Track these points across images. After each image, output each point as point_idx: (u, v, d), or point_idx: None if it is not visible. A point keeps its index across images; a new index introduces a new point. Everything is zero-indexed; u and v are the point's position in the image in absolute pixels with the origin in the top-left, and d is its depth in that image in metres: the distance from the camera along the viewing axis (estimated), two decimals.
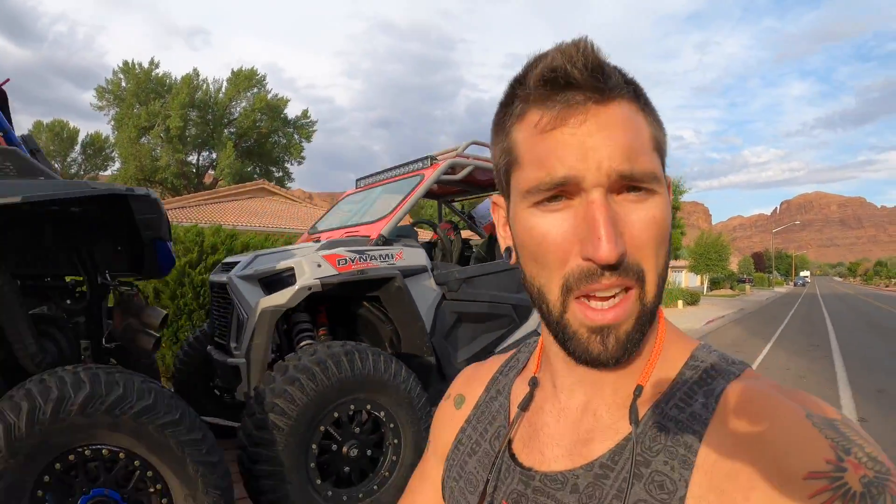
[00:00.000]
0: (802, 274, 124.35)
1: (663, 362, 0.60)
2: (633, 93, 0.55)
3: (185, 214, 19.01)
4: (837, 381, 8.68)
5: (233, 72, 38.62)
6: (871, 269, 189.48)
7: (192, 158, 39.08)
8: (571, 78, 0.52)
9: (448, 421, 0.80)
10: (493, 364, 0.82)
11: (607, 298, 0.53)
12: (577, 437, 0.61)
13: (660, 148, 0.57)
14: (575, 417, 0.63)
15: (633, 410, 0.56)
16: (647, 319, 0.55)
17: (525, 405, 0.69)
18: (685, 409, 0.55)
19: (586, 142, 0.52)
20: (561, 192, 0.53)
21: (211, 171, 40.67)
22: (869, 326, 19.66)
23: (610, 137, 0.52)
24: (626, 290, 0.53)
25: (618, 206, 0.52)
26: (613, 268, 0.51)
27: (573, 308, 0.55)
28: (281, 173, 43.00)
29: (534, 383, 0.70)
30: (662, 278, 0.56)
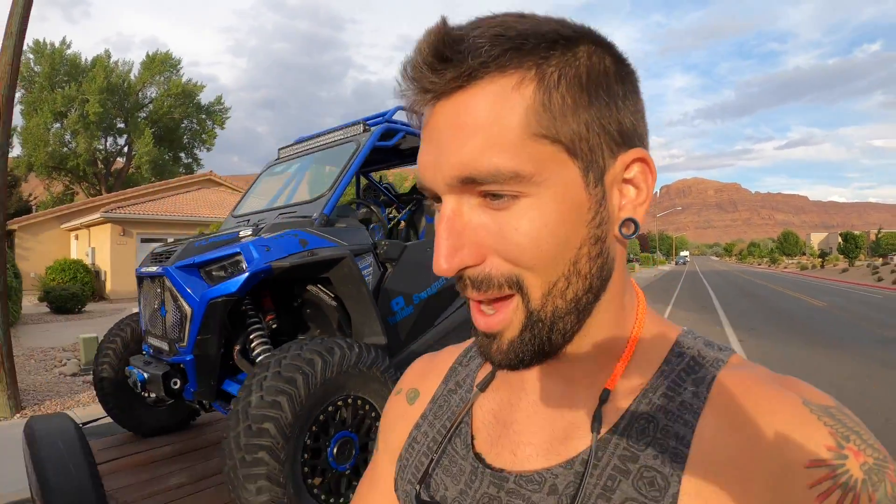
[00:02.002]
0: (683, 254, 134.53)
1: (645, 350, 0.57)
2: (511, 64, 0.46)
3: (152, 208, 20.81)
4: (723, 325, 13.10)
5: (147, 55, 39.02)
6: (745, 250, 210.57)
7: (100, 145, 39.10)
8: (417, 71, 0.48)
9: (399, 417, 0.75)
10: (451, 354, 0.77)
11: (489, 305, 0.51)
12: (553, 433, 0.58)
13: (551, 133, 0.47)
14: (550, 412, 0.59)
15: (595, 417, 0.53)
16: (541, 327, 0.51)
17: (484, 385, 0.67)
18: (674, 399, 0.53)
19: (433, 144, 0.49)
20: (430, 194, 0.51)
21: (120, 159, 40.84)
22: (742, 293, 26.06)
23: (453, 136, 0.47)
24: (508, 296, 0.50)
25: (476, 213, 0.48)
26: (477, 284, 0.49)
27: (472, 308, 0.54)
28: (190, 159, 43.83)
29: (491, 369, 0.67)
30: (554, 284, 0.49)
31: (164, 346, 3.30)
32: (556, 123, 0.47)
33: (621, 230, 0.53)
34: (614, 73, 0.50)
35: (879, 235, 79.03)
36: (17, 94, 35.67)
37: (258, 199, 4.68)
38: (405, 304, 3.83)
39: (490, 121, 0.46)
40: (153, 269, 3.38)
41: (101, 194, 34.04)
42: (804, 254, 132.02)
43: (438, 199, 0.51)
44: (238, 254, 3.11)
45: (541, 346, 0.52)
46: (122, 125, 38.75)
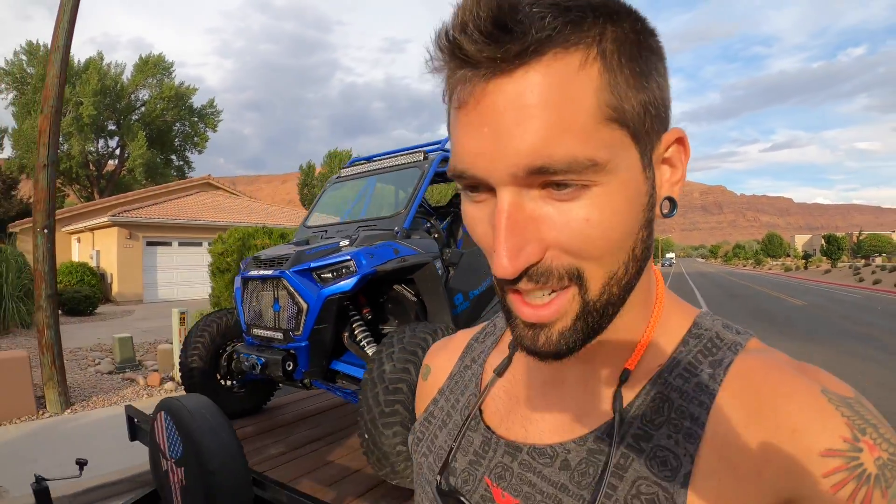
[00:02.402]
0: (668, 255, 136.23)
1: (664, 331, 0.57)
2: (573, 39, 0.42)
3: (155, 211, 21.37)
4: None
5: (141, 58, 39.48)
6: (730, 251, 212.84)
7: (92, 147, 39.43)
8: (466, 42, 0.42)
9: (420, 396, 0.78)
10: (466, 335, 0.78)
11: (542, 296, 0.48)
12: (566, 410, 0.58)
13: (620, 116, 0.44)
14: (564, 389, 0.59)
15: (616, 398, 0.54)
16: (593, 317, 0.49)
17: (501, 370, 0.66)
18: (690, 380, 0.52)
19: (488, 129, 0.43)
20: (477, 183, 0.46)
21: (112, 161, 41.22)
22: (726, 293, 27.23)
23: (518, 121, 0.42)
24: (564, 287, 0.48)
25: (538, 205, 0.45)
26: (535, 276, 0.47)
27: (510, 297, 0.51)
28: (182, 162, 44.28)
29: (514, 347, 0.67)
30: (615, 273, 0.48)
31: (278, 336, 3.93)
32: (623, 105, 0.44)
33: (661, 209, 0.51)
34: (658, 50, 0.48)
35: (861, 237, 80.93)
36: (10, 96, 36.36)
37: (325, 212, 5.49)
38: (463, 300, 4.60)
39: (560, 103, 0.42)
40: (268, 272, 3.94)
41: (94, 197, 34.52)
42: (788, 255, 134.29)
43: (476, 189, 0.47)
44: (349, 260, 3.77)
45: (590, 334, 0.50)
46: (114, 127, 39.11)
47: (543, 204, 0.45)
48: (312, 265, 3.84)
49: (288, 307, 3.88)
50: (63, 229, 23.14)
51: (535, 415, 0.60)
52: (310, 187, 45.83)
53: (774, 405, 0.47)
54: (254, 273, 4.11)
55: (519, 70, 0.42)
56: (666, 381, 0.54)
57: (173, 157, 43.68)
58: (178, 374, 7.33)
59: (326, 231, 4.83)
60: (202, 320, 4.95)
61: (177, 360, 6.74)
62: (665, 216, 0.53)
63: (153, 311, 17.40)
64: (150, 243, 20.66)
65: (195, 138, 43.33)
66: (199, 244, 21.38)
